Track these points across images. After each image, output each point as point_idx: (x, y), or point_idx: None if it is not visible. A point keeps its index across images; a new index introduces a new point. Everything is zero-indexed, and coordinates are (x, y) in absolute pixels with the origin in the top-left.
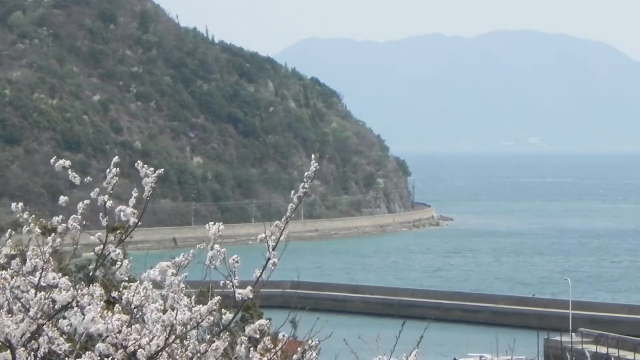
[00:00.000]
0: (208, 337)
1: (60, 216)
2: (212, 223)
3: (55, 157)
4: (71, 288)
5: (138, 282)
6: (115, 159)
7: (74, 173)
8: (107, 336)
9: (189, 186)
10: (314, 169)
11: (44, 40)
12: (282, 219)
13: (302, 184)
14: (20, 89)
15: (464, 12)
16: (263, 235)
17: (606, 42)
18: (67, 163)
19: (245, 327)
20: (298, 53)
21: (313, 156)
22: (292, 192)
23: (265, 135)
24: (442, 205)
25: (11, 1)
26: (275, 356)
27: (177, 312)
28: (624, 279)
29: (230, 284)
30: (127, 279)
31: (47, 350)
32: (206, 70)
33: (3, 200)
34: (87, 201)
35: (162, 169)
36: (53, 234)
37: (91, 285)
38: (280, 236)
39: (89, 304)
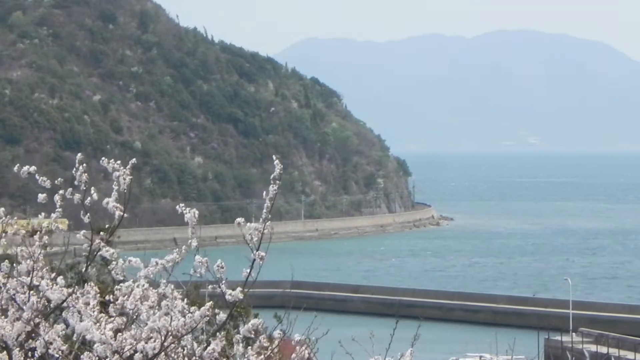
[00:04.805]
0: (203, 337)
1: (43, 214)
2: (186, 209)
3: (55, 157)
4: (63, 288)
5: (132, 281)
6: (79, 156)
7: (42, 177)
8: (104, 343)
9: (189, 186)
10: (279, 171)
11: (44, 40)
12: (260, 220)
13: (270, 186)
14: (20, 88)
15: (464, 12)
16: (240, 219)
17: (606, 42)
18: (33, 169)
19: (239, 326)
20: (298, 53)
21: (274, 157)
22: (264, 193)
23: (265, 135)
24: (443, 205)
25: (11, 1)
26: (271, 354)
27: (171, 318)
28: (624, 278)
29: (218, 288)
30: (122, 278)
31: (45, 351)
32: (206, 70)
33: (3, 200)
34: (62, 191)
35: (134, 159)
36: (38, 234)
37: (85, 285)
38: (261, 237)
39: (84, 306)
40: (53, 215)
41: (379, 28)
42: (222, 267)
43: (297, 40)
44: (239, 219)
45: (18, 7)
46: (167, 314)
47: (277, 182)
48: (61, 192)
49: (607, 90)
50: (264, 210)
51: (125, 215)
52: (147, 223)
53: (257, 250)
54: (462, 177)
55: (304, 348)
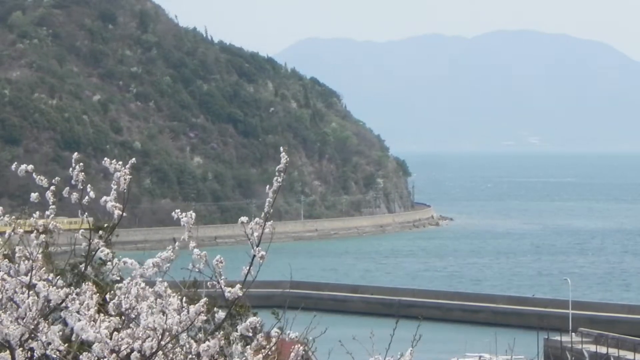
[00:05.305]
0: (200, 335)
1: (37, 213)
2: (183, 214)
3: (54, 157)
4: (62, 289)
5: (128, 280)
6: (75, 155)
7: (40, 176)
8: (99, 342)
9: (189, 186)
10: (285, 162)
11: (43, 40)
12: (262, 215)
13: (275, 178)
14: (20, 88)
15: (464, 12)
16: (244, 219)
17: (606, 42)
18: (30, 167)
19: (237, 325)
20: (298, 53)
21: (282, 148)
22: (267, 187)
23: (265, 135)
24: (442, 205)
25: (11, 1)
26: (269, 353)
27: (167, 316)
28: (623, 278)
29: (217, 284)
30: (118, 278)
31: (44, 351)
32: (206, 70)
33: (3, 200)
34: (52, 187)
35: (134, 159)
36: (35, 233)
37: (82, 284)
38: (262, 232)
39: (80, 307)
40: (47, 213)
41: (379, 28)
42: (221, 262)
43: (297, 40)
44: (242, 218)
45: (18, 7)
46: (162, 312)
47: (282, 174)
48: (53, 188)
49: (607, 90)
50: (267, 204)
51: (125, 215)
52: (146, 223)
53: (257, 246)
54: (462, 177)
55: (301, 347)
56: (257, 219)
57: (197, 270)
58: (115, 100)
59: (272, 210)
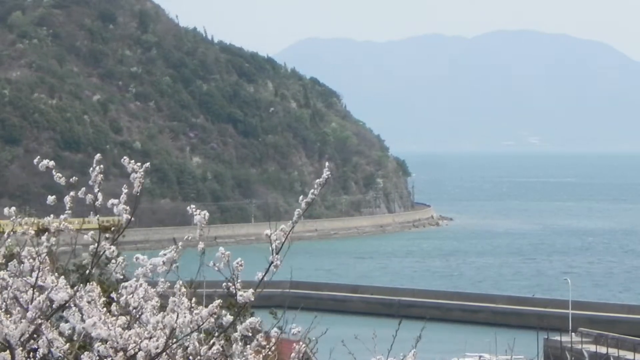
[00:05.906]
0: (202, 335)
1: (52, 215)
2: (197, 211)
3: (54, 157)
4: (68, 288)
5: (134, 280)
6: (98, 156)
7: (58, 174)
8: (108, 340)
9: (189, 186)
10: (326, 177)
11: (43, 40)
12: (288, 224)
13: (311, 190)
14: (20, 88)
15: (464, 12)
16: (268, 232)
17: (606, 42)
18: (51, 164)
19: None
20: (298, 53)
21: (327, 164)
22: (301, 197)
23: (264, 135)
24: (442, 205)
25: (11, 1)
26: (268, 353)
27: (177, 315)
28: (623, 278)
29: (232, 286)
30: (122, 277)
31: (46, 351)
32: (206, 70)
33: (3, 200)
34: (72, 193)
35: (148, 163)
36: (47, 234)
37: (87, 284)
38: (284, 240)
39: (89, 304)
40: (62, 216)
41: (379, 28)
42: (241, 265)
43: (297, 40)
44: (267, 231)
45: (18, 7)
46: (173, 310)
47: (320, 188)
48: (72, 193)
49: (607, 90)
50: (296, 214)
51: (132, 219)
52: (146, 223)
53: (277, 254)
54: (462, 177)
55: (302, 345)
56: (282, 227)
57: (216, 269)
58: (115, 100)
59: (298, 221)
